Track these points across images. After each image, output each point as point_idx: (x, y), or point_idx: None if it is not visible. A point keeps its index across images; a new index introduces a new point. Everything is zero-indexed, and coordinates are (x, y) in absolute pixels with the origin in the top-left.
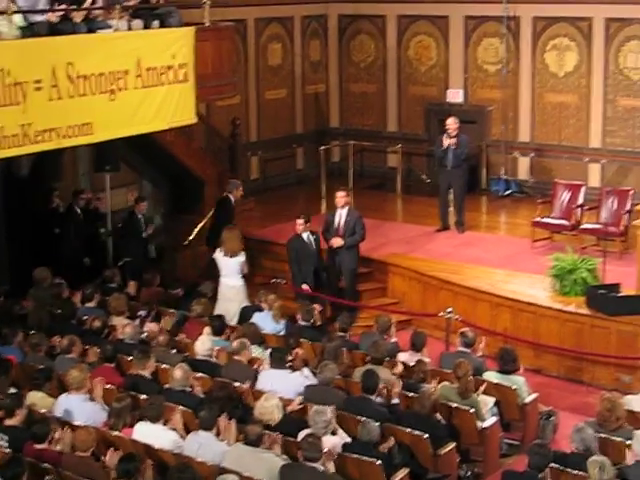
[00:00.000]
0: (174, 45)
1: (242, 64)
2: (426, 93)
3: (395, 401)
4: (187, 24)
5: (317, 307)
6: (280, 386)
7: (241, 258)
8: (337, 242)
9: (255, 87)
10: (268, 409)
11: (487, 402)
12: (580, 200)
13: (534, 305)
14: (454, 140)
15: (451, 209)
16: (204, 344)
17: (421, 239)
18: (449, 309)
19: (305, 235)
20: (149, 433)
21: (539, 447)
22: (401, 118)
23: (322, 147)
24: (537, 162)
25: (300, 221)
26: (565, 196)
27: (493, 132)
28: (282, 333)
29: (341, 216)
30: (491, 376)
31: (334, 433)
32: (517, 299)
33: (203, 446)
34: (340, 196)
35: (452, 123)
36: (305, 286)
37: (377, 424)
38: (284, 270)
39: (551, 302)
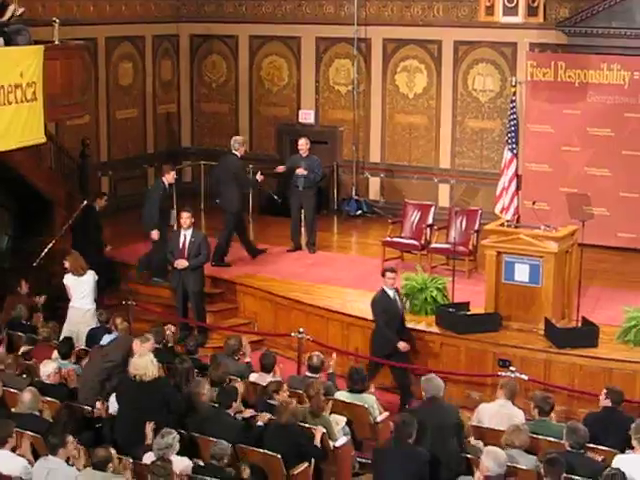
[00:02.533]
0: (22, 63)
1: (92, 83)
2: (278, 113)
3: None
4: (37, 42)
5: (171, 328)
6: None
7: (90, 278)
8: (181, 263)
9: (106, 106)
10: (141, 364)
11: (338, 421)
12: (430, 220)
13: None
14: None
15: (303, 229)
16: (46, 367)
17: (273, 259)
18: (300, 329)
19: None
20: None
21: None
22: (253, 138)
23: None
24: (388, 182)
25: (186, 214)
26: (415, 216)
27: (344, 153)
28: None
29: (186, 237)
30: (342, 396)
31: None
32: (368, 318)
33: (52, 472)
34: (185, 217)
35: (303, 144)
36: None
37: (228, 445)
38: (137, 292)
39: None
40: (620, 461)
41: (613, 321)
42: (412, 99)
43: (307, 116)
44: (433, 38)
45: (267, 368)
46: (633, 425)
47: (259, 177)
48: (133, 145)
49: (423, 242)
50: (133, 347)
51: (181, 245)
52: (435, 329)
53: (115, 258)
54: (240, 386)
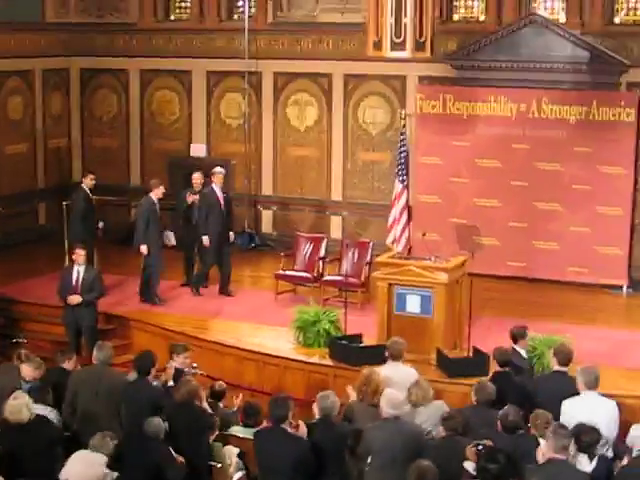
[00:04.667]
0: None
1: None
2: (170, 147)
3: (171, 383)
4: None
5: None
6: None
7: None
8: (75, 299)
9: None
10: (16, 407)
11: (233, 452)
12: (322, 252)
13: (279, 357)
14: (198, 196)
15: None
16: None
17: (167, 294)
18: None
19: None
20: None
21: (275, 400)
22: (144, 172)
23: (65, 202)
24: (280, 215)
25: (80, 251)
26: (307, 248)
27: (237, 186)
28: None
29: (79, 272)
30: (236, 430)
31: None
32: (262, 352)
33: None
34: (79, 253)
35: (198, 178)
36: None
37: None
38: (26, 329)
39: (295, 354)
40: None
41: None
42: (303, 132)
43: (199, 149)
44: (323, 72)
45: None
46: (532, 415)
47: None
48: (23, 180)
49: (315, 274)
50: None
51: (74, 281)
52: (328, 361)
53: (5, 295)
54: None
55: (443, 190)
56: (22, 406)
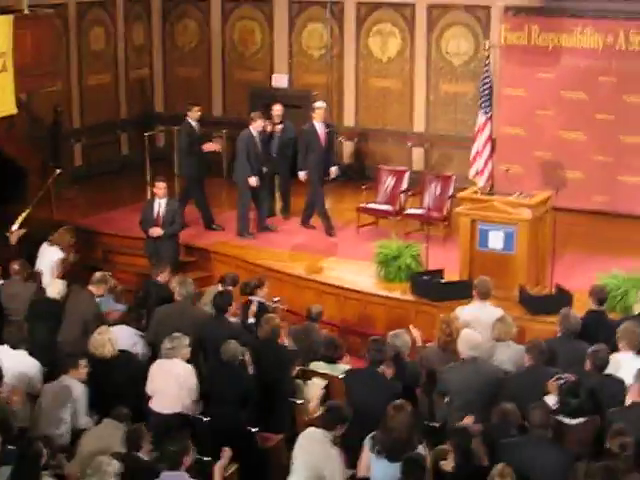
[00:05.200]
0: None
1: (63, 49)
2: (251, 77)
3: (251, 320)
4: (4, 11)
5: None
6: None
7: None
8: (156, 232)
9: (77, 73)
10: (100, 342)
11: (319, 385)
12: (404, 185)
13: (360, 292)
14: (279, 127)
15: (277, 195)
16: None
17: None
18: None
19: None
20: None
21: (376, 343)
22: (226, 103)
23: (146, 133)
24: (362, 146)
25: (161, 184)
26: (389, 181)
27: None
28: None
29: (160, 205)
30: (318, 366)
31: None
32: (343, 286)
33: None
34: (159, 186)
35: (278, 110)
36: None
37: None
38: (112, 260)
39: (376, 289)
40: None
41: (587, 287)
42: (385, 63)
43: (280, 80)
44: (406, 1)
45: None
46: (619, 328)
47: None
48: (105, 111)
49: (397, 208)
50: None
51: (155, 214)
52: (409, 297)
53: (89, 226)
54: None
55: (527, 122)
56: (105, 342)
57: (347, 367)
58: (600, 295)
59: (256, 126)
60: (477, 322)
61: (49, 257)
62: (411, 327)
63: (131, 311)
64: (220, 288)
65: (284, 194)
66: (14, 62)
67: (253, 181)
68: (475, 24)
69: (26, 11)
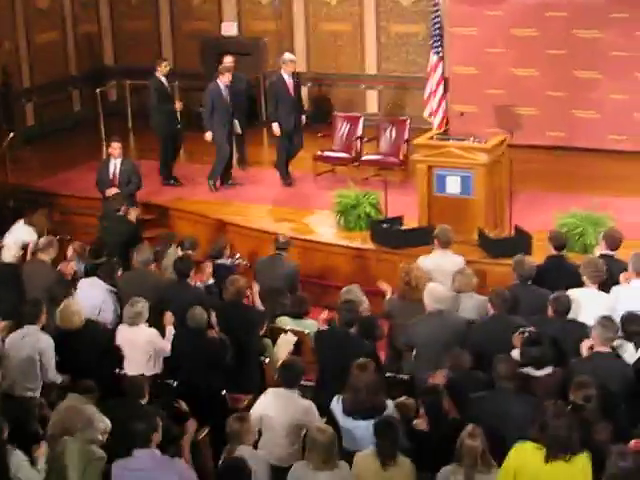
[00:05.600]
0: None
1: (9, 9)
2: (200, 27)
3: (210, 281)
4: None
5: None
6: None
7: None
8: (113, 192)
9: (24, 31)
10: (66, 314)
11: (290, 341)
12: (359, 132)
13: (320, 243)
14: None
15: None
16: None
17: (203, 179)
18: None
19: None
20: None
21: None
22: (176, 54)
23: (98, 89)
24: (315, 91)
25: (116, 144)
26: (344, 128)
27: (269, 64)
28: None
29: (115, 166)
30: (284, 321)
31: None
32: (304, 238)
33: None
34: (115, 147)
35: (229, 62)
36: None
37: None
38: (73, 223)
39: (337, 238)
40: (571, 292)
41: (546, 227)
42: (334, 5)
43: (230, 28)
44: None
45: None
46: (582, 262)
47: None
48: (55, 68)
49: (354, 154)
50: None
51: (111, 174)
52: (370, 245)
53: (45, 189)
54: None
55: (479, 61)
56: (72, 314)
57: (313, 322)
58: (558, 241)
59: (223, 79)
60: (439, 271)
61: (21, 236)
62: (379, 282)
63: (104, 264)
64: (179, 252)
65: (240, 146)
66: None
67: (208, 136)
68: None
69: None
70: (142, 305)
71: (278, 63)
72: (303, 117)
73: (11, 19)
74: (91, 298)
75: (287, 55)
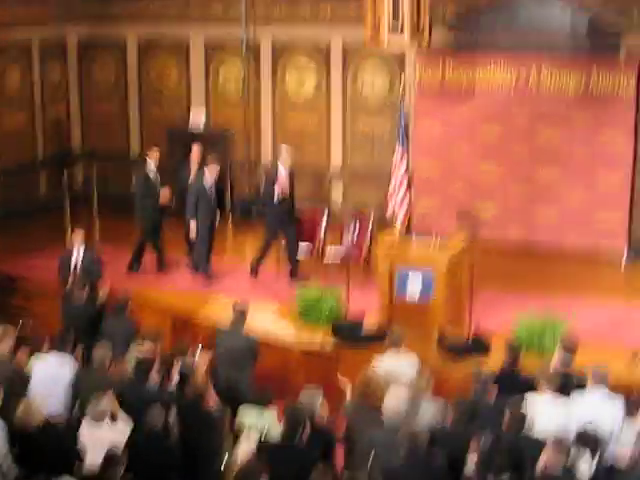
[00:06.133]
0: None
1: None
2: (169, 115)
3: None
4: None
5: None
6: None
7: None
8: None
9: None
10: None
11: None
12: (323, 225)
13: (280, 340)
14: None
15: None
16: None
17: (170, 268)
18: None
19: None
20: None
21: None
22: (144, 141)
23: (65, 173)
24: None
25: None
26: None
27: (237, 154)
28: None
29: (78, 256)
30: (248, 414)
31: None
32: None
33: None
34: (77, 233)
35: (196, 151)
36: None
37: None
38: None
39: (298, 336)
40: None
41: (505, 326)
42: (302, 100)
43: (198, 116)
44: (322, 38)
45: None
46: (538, 368)
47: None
48: (23, 151)
49: (318, 247)
50: None
51: (72, 266)
52: (331, 342)
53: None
54: None
55: (443, 157)
56: (30, 414)
57: (274, 415)
58: (513, 354)
59: (211, 170)
60: (395, 371)
61: None
62: (339, 377)
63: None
64: (140, 348)
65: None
66: None
67: (193, 226)
68: (391, 59)
69: None
70: (106, 403)
71: (245, 155)
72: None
73: None
74: (51, 367)
75: (283, 146)
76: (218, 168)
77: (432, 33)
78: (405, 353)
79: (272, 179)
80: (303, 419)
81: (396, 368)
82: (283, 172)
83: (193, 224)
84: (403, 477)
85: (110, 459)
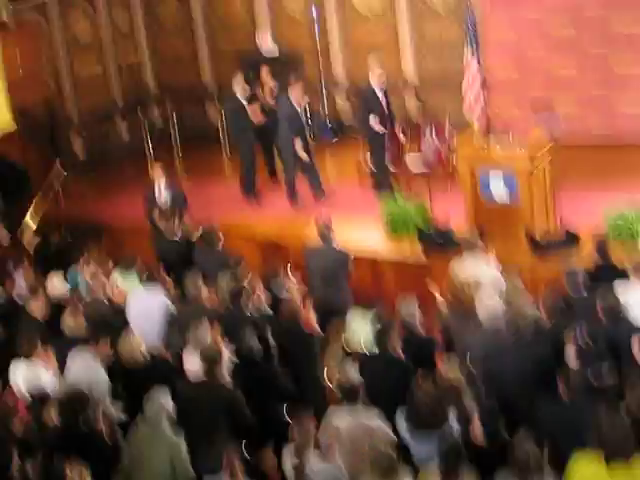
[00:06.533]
0: None
1: (49, 45)
2: (238, 45)
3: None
4: None
5: None
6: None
7: None
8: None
9: (67, 65)
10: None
11: None
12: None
13: (369, 251)
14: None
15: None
16: None
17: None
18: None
19: None
20: None
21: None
22: (215, 73)
23: (142, 115)
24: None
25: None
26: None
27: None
28: None
29: (161, 190)
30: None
31: None
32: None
33: None
34: (155, 168)
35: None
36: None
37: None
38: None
39: (386, 247)
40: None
41: (594, 223)
42: (370, 13)
43: (267, 42)
44: None
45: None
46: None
47: None
48: (100, 99)
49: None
50: None
51: (157, 200)
52: (420, 256)
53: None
54: None
55: (518, 64)
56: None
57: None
58: (602, 248)
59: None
60: (476, 274)
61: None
62: (429, 284)
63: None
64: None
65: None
66: (3, 78)
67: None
68: None
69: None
70: (204, 331)
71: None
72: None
73: (53, 54)
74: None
75: (377, 69)
76: (302, 85)
77: None
78: (479, 255)
79: (369, 106)
80: (392, 326)
81: (476, 271)
82: (380, 95)
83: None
84: (511, 364)
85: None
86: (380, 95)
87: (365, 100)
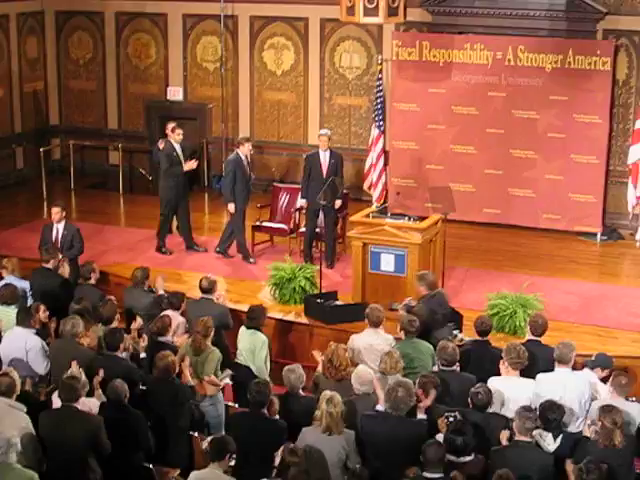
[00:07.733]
0: None
1: None
2: (146, 90)
3: (142, 355)
4: None
5: None
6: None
7: None
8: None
9: None
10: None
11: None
12: (298, 204)
13: None
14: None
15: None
16: None
17: (144, 245)
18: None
19: None
20: None
21: (257, 385)
22: (121, 115)
23: (42, 148)
24: (257, 159)
25: (55, 209)
26: (284, 199)
27: (214, 129)
28: None
29: (58, 230)
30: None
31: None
32: (238, 309)
33: None
34: (54, 212)
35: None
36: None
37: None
38: None
39: (271, 311)
40: (492, 382)
41: (477, 305)
42: (280, 76)
43: (176, 93)
44: (300, 15)
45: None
46: (504, 348)
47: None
48: (0, 125)
49: (292, 226)
50: None
51: (54, 239)
52: (304, 319)
53: None
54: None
55: (419, 137)
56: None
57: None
58: (481, 327)
59: (244, 150)
60: (370, 350)
61: None
62: (314, 352)
63: (20, 311)
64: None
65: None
66: None
67: (231, 207)
68: (368, 38)
69: None
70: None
71: (222, 130)
72: (338, 202)
73: None
74: (16, 341)
75: (322, 130)
76: (249, 145)
77: (409, 13)
78: (383, 333)
79: (312, 165)
80: (266, 394)
81: (372, 346)
82: (323, 157)
83: (230, 206)
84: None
85: None
86: (324, 162)
87: (309, 165)
